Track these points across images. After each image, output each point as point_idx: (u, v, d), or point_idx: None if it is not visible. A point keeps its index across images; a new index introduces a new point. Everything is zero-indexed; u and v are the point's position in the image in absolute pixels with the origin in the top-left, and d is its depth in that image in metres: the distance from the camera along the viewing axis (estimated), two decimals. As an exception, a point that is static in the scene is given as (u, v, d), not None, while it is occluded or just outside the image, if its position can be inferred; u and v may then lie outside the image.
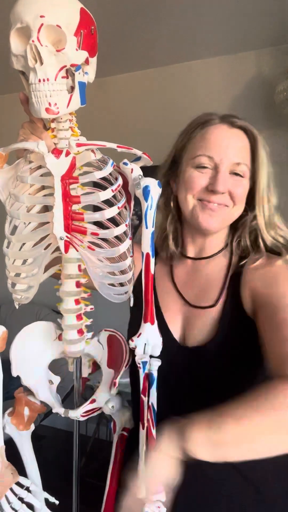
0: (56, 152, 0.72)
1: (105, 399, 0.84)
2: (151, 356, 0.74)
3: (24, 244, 0.80)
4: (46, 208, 0.80)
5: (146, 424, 0.73)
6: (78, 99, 0.70)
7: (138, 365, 0.73)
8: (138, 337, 0.73)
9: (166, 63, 2.52)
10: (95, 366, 0.91)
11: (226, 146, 0.78)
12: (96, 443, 2.28)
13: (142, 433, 0.73)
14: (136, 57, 2.45)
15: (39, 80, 0.65)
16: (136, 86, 2.64)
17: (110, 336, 0.87)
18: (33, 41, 0.63)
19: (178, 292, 0.87)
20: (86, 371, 0.93)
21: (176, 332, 0.84)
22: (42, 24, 0.62)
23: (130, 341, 0.74)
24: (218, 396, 0.79)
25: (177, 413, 0.79)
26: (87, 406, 0.84)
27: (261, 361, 0.81)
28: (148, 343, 0.73)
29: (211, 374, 0.79)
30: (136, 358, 0.73)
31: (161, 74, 2.57)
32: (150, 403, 0.73)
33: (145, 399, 0.73)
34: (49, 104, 0.66)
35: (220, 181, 0.77)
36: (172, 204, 0.88)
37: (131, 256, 0.79)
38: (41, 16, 0.62)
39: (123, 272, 0.79)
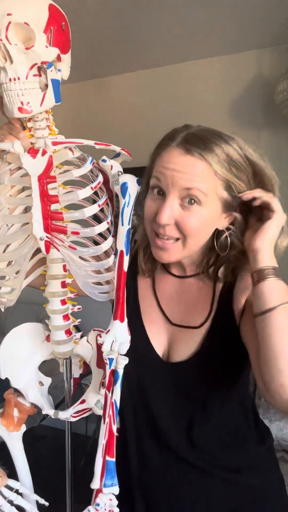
0: (33, 151, 0.72)
1: (95, 399, 0.83)
2: (120, 354, 0.73)
3: (8, 246, 0.79)
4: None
5: (107, 420, 0.72)
6: (52, 97, 0.69)
7: (105, 360, 0.72)
8: (106, 333, 0.73)
9: (166, 63, 2.51)
10: (87, 366, 0.91)
11: (173, 172, 0.69)
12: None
13: (103, 428, 0.72)
14: (136, 57, 2.44)
15: (10, 79, 0.64)
16: (136, 86, 2.63)
17: (99, 336, 0.86)
18: (1, 39, 0.62)
19: (161, 309, 0.84)
20: (77, 372, 0.92)
21: (159, 347, 0.81)
22: (9, 22, 0.62)
23: (98, 337, 0.73)
24: (201, 408, 0.78)
25: (159, 426, 0.79)
26: (77, 407, 0.84)
27: (243, 369, 0.80)
28: (116, 340, 0.72)
29: (194, 388, 0.78)
30: (103, 354, 0.73)
31: (161, 74, 2.55)
32: (112, 400, 0.72)
33: (109, 394, 0.73)
34: (22, 103, 0.65)
35: (162, 212, 0.69)
36: None
37: (114, 254, 0.78)
38: (8, 14, 0.61)
39: (108, 269, 0.79)
